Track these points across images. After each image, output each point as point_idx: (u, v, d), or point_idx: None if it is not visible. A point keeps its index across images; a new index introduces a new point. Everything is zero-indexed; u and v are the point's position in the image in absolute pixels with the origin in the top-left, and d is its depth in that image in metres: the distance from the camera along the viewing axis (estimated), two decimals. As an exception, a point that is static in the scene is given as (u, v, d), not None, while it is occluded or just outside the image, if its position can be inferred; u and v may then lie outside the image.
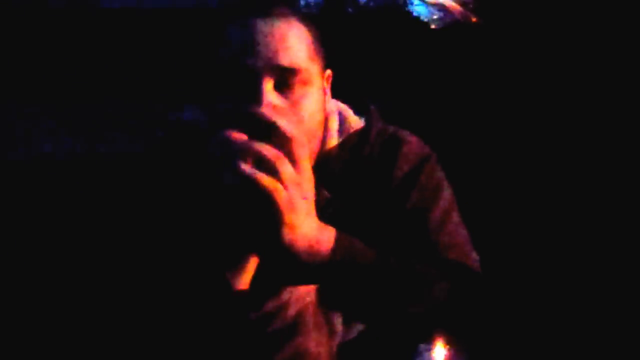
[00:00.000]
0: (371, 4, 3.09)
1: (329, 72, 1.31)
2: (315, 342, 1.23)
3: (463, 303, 1.26)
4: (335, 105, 1.36)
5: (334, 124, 1.34)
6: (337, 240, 1.18)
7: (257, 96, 1.17)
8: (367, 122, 1.36)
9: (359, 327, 1.28)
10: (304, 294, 1.23)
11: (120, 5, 3.42)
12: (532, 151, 2.86)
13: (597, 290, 2.34)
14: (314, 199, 1.15)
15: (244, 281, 1.17)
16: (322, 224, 1.17)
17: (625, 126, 2.79)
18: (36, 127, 3.13)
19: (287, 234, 1.12)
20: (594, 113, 2.84)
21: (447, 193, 1.37)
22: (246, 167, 1.08)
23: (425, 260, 1.26)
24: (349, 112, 1.38)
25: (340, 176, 1.23)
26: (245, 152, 1.09)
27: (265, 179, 1.08)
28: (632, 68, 2.82)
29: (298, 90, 1.21)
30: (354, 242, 1.21)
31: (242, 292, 1.17)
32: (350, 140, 1.34)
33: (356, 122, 1.37)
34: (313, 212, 1.15)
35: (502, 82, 2.95)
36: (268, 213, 1.10)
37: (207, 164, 1.11)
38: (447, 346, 1.21)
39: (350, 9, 3.19)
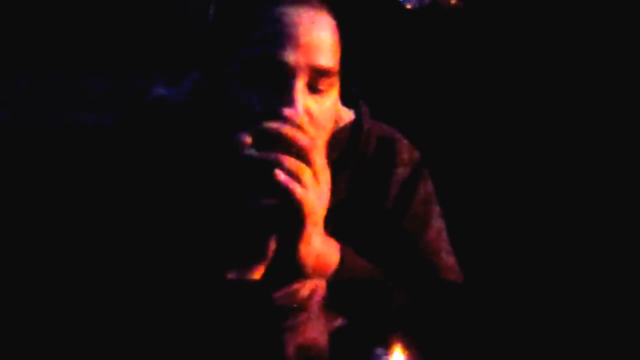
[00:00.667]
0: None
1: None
2: (319, 332, 1.24)
3: (452, 322, 1.28)
4: None
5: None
6: (342, 258, 1.21)
7: (289, 95, 1.14)
8: (357, 116, 1.32)
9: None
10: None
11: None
12: (518, 143, 2.80)
13: (592, 297, 2.31)
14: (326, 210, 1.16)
15: (256, 274, 1.18)
16: (327, 238, 1.20)
17: (622, 124, 2.72)
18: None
19: (303, 246, 1.14)
20: (585, 105, 2.78)
21: (437, 205, 1.38)
22: (281, 176, 1.09)
23: (422, 270, 1.29)
24: (338, 105, 1.32)
25: (332, 173, 1.19)
26: (273, 163, 1.09)
27: (297, 189, 1.09)
28: (628, 61, 2.74)
29: (326, 91, 1.19)
30: (356, 259, 1.24)
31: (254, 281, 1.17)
32: (341, 134, 1.30)
33: (346, 114, 1.34)
34: (323, 223, 1.17)
35: (483, 68, 2.87)
36: (291, 223, 1.12)
37: (227, 179, 1.11)
38: (406, 351, 1.13)
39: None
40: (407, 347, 1.13)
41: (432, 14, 3.03)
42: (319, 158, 1.13)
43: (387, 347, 1.13)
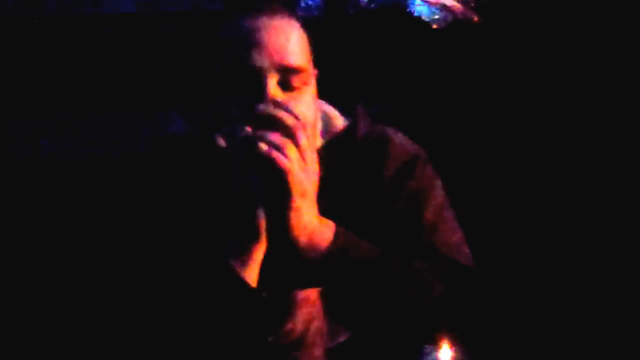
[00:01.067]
0: (372, 5, 3.06)
1: (316, 71, 1.32)
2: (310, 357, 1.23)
3: (459, 301, 1.27)
4: (319, 106, 1.35)
5: (318, 125, 1.34)
6: (336, 234, 1.21)
7: (262, 94, 1.19)
8: (352, 121, 1.36)
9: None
10: (310, 310, 1.23)
11: (111, 10, 3.39)
12: (535, 151, 2.86)
13: (597, 286, 2.34)
14: (316, 190, 1.18)
15: (252, 274, 1.18)
16: (322, 218, 1.20)
17: (629, 128, 2.79)
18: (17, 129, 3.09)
19: (293, 218, 1.15)
20: (599, 114, 2.84)
21: (438, 192, 1.37)
22: (264, 147, 1.11)
23: (421, 259, 1.27)
24: (334, 113, 1.39)
25: (326, 178, 1.22)
26: (257, 138, 1.13)
27: (282, 159, 1.12)
28: (636, 69, 2.82)
29: (299, 89, 1.23)
30: (353, 238, 1.23)
31: (250, 286, 1.18)
32: (335, 141, 1.34)
33: (341, 122, 1.37)
34: (315, 202, 1.19)
35: (504, 83, 2.94)
36: (278, 195, 1.14)
37: (214, 153, 1.15)
38: (453, 347, 1.20)
39: (351, 10, 3.17)
40: (454, 343, 1.19)
41: (457, 32, 3.09)
42: (304, 139, 1.16)
43: (436, 344, 1.20)
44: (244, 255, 1.18)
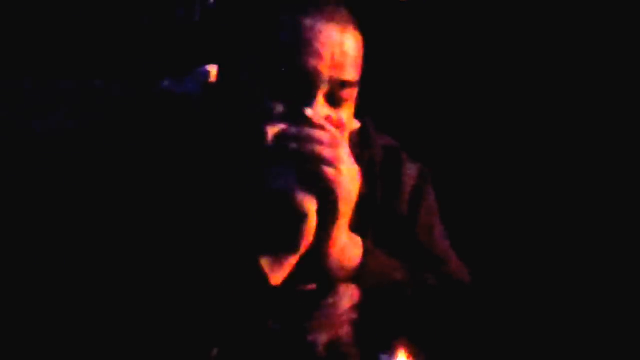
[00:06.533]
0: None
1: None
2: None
3: (457, 312, 1.30)
4: None
5: None
6: (365, 253, 1.20)
7: (310, 100, 1.15)
8: (364, 124, 1.33)
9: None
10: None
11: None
12: (535, 153, 2.76)
13: (594, 300, 2.31)
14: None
15: (279, 276, 1.16)
16: (351, 233, 1.19)
17: (627, 128, 2.71)
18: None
19: (332, 234, 1.14)
20: (604, 116, 2.74)
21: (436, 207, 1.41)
22: (314, 157, 1.10)
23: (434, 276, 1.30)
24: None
25: None
26: (308, 149, 1.11)
27: (332, 172, 1.11)
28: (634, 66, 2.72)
29: (345, 103, 1.20)
30: (381, 258, 1.23)
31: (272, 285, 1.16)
32: (349, 140, 1.30)
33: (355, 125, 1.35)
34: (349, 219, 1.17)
35: (481, 63, 2.82)
36: (324, 208, 1.12)
37: (254, 153, 1.12)
38: (410, 356, 1.15)
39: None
40: (412, 352, 1.14)
41: (428, 6, 3.00)
42: (346, 154, 1.15)
43: (392, 352, 1.14)
44: (276, 259, 1.15)
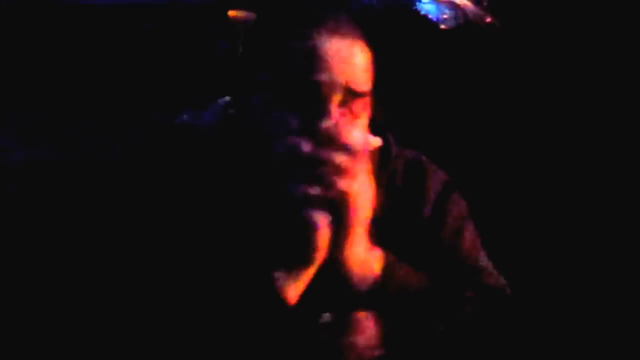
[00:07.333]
0: (374, 1, 2.89)
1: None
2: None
3: (496, 327, 1.28)
4: None
5: None
6: (386, 267, 1.20)
7: (324, 112, 1.15)
8: (385, 140, 1.30)
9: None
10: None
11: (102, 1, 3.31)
12: (550, 156, 2.78)
13: (595, 300, 2.28)
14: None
15: (294, 293, 1.15)
16: (370, 246, 1.19)
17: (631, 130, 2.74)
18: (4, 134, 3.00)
19: (349, 247, 1.14)
20: (616, 117, 2.77)
21: (471, 220, 1.38)
22: (329, 169, 1.11)
23: (469, 288, 1.29)
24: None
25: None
26: (322, 159, 1.12)
27: (346, 183, 1.11)
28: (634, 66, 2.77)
29: (359, 114, 1.20)
30: (402, 270, 1.22)
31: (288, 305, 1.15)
32: (371, 159, 1.27)
33: (374, 140, 1.30)
34: (367, 231, 1.18)
35: (516, 88, 2.84)
36: (339, 220, 1.12)
37: (269, 169, 1.13)
38: None
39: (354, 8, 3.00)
40: None
41: (467, 33, 2.96)
42: (359, 166, 1.15)
43: None
44: (290, 274, 1.15)
